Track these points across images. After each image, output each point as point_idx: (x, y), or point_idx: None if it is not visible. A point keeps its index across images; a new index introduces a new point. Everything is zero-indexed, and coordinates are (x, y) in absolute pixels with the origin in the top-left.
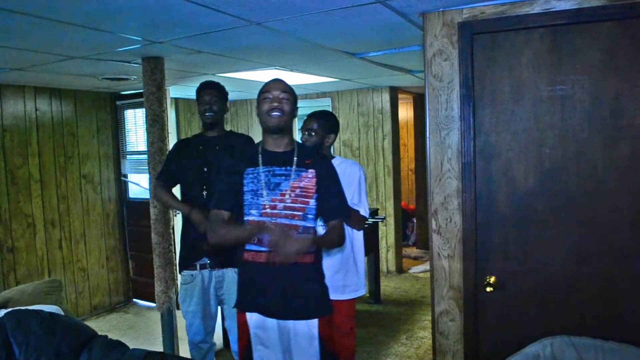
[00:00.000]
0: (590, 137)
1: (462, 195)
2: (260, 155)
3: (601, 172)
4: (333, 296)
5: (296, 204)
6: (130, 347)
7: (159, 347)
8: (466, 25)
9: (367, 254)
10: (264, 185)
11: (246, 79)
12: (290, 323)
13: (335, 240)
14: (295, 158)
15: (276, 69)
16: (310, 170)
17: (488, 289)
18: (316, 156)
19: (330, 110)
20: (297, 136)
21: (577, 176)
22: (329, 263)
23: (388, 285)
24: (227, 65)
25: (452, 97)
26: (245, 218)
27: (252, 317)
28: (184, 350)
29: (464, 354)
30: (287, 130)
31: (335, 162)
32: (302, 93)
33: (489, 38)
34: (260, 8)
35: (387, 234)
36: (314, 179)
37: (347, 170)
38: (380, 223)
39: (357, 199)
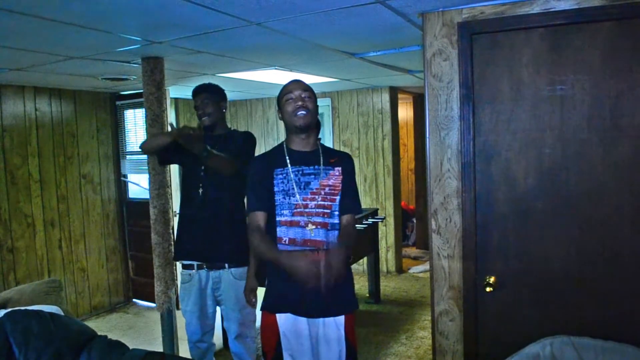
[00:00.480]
0: (590, 137)
1: (461, 195)
2: (287, 155)
3: (601, 172)
4: None
5: (326, 201)
6: (130, 347)
7: (159, 347)
8: (466, 25)
9: (366, 254)
10: (294, 184)
11: (246, 79)
12: (320, 321)
13: (353, 234)
14: (321, 157)
15: (276, 68)
16: (337, 168)
17: (488, 289)
18: (339, 154)
19: (330, 110)
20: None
21: (577, 176)
22: None
23: (388, 285)
24: (227, 65)
25: (452, 97)
26: (277, 218)
27: (281, 318)
28: (184, 350)
29: (464, 354)
30: (312, 128)
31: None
32: None
33: (489, 38)
34: (260, 8)
35: (386, 234)
36: (340, 177)
37: None
38: (380, 223)
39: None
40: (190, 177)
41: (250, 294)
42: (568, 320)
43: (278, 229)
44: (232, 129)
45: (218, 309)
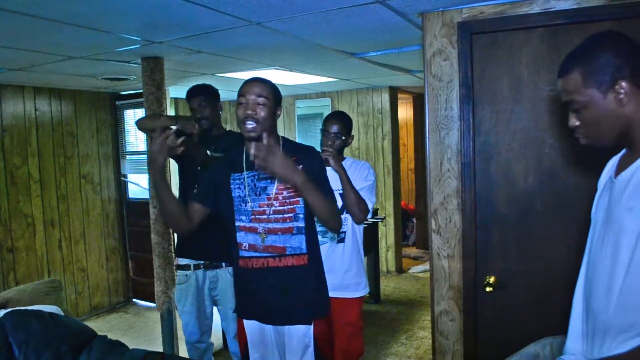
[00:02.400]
0: None
1: (461, 195)
2: (244, 159)
3: (601, 171)
4: (345, 294)
5: (285, 206)
6: (130, 347)
7: (158, 347)
8: (465, 25)
9: (366, 253)
10: (249, 191)
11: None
12: (286, 328)
13: (329, 206)
14: None
15: (276, 68)
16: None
17: (488, 289)
18: (302, 151)
19: (330, 109)
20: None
21: (576, 176)
22: (340, 262)
23: (388, 285)
24: (226, 65)
25: (452, 97)
26: (236, 223)
27: (248, 324)
28: (183, 350)
29: (464, 354)
30: (267, 134)
31: (346, 163)
32: (302, 93)
33: (489, 38)
34: (259, 8)
35: (386, 233)
36: None
37: (357, 170)
38: (380, 223)
39: (365, 194)
40: (186, 178)
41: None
42: (568, 320)
43: (237, 234)
44: (227, 130)
45: (215, 308)
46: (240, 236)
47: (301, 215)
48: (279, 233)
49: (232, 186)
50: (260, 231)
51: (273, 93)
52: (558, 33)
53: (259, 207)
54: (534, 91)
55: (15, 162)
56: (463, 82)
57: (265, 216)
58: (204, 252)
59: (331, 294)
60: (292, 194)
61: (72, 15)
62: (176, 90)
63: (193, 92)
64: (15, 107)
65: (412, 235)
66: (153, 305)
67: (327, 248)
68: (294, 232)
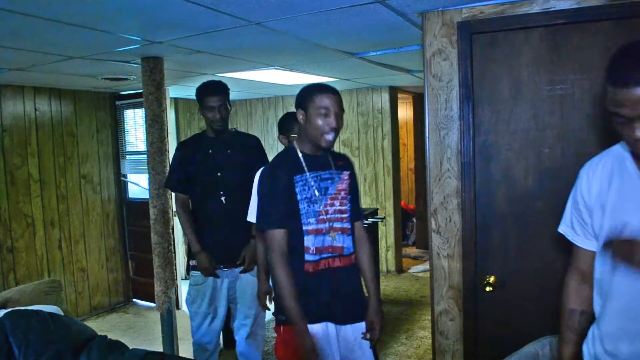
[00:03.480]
0: (590, 137)
1: (461, 195)
2: (303, 161)
3: None
4: None
5: (343, 206)
6: (130, 347)
7: (158, 347)
8: (465, 25)
9: None
10: (316, 191)
11: (246, 79)
12: (349, 327)
13: (369, 243)
14: (330, 160)
15: (276, 68)
16: (345, 172)
17: (487, 289)
18: (343, 157)
19: None
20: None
21: (576, 176)
22: None
23: (388, 285)
24: (226, 65)
25: (452, 97)
26: (304, 228)
27: (314, 328)
28: (183, 350)
29: (464, 354)
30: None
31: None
32: None
33: (489, 38)
34: (259, 8)
35: (386, 233)
36: (349, 180)
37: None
38: (380, 223)
39: None
40: (207, 185)
41: (264, 297)
42: None
43: (305, 238)
44: (233, 129)
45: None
46: (309, 240)
47: (348, 217)
48: (340, 233)
49: (296, 189)
50: (325, 231)
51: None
52: (558, 33)
53: (325, 206)
54: (534, 91)
55: (15, 162)
56: (463, 82)
57: (329, 216)
58: (223, 259)
59: None
60: (346, 195)
61: (72, 15)
62: (176, 90)
63: (211, 91)
64: (15, 107)
65: (412, 235)
66: (153, 305)
67: None
68: (348, 233)
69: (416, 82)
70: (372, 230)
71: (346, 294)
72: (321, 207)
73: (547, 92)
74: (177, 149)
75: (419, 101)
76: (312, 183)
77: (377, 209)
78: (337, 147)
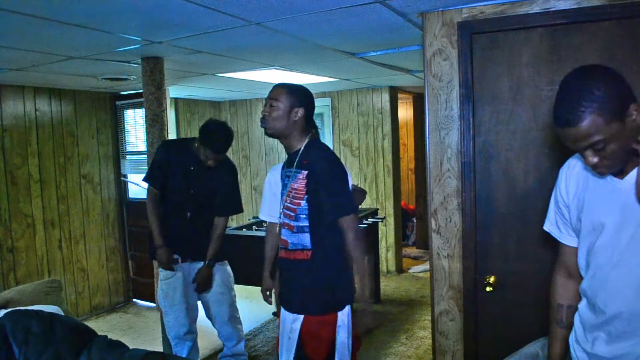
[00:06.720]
0: None
1: (461, 195)
2: (285, 157)
3: None
4: None
5: (293, 204)
6: (130, 347)
7: (158, 347)
8: (466, 25)
9: (366, 253)
10: (282, 186)
11: (246, 79)
12: (287, 314)
13: (360, 242)
14: (297, 159)
15: (276, 68)
16: (303, 172)
17: (487, 289)
18: (314, 157)
19: (330, 109)
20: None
21: None
22: None
23: (388, 285)
24: (226, 65)
25: (452, 97)
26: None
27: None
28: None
29: (464, 354)
30: (283, 134)
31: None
32: None
33: (489, 38)
34: (259, 8)
35: (386, 233)
36: (304, 180)
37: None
38: (380, 223)
39: None
40: (178, 197)
41: (266, 292)
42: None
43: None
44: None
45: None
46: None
47: (303, 216)
48: (286, 228)
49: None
50: (282, 225)
51: (289, 95)
52: (558, 33)
53: (283, 201)
54: (534, 91)
55: (16, 162)
56: (463, 82)
57: (283, 210)
58: (186, 256)
59: None
60: (297, 194)
61: (72, 15)
62: (176, 90)
63: (218, 148)
64: (15, 107)
65: (412, 235)
66: (153, 305)
67: None
68: (294, 230)
69: (416, 82)
70: (372, 231)
71: (289, 284)
72: (282, 202)
73: (547, 92)
74: (163, 147)
75: (419, 101)
76: (284, 179)
77: (377, 209)
78: (337, 147)
